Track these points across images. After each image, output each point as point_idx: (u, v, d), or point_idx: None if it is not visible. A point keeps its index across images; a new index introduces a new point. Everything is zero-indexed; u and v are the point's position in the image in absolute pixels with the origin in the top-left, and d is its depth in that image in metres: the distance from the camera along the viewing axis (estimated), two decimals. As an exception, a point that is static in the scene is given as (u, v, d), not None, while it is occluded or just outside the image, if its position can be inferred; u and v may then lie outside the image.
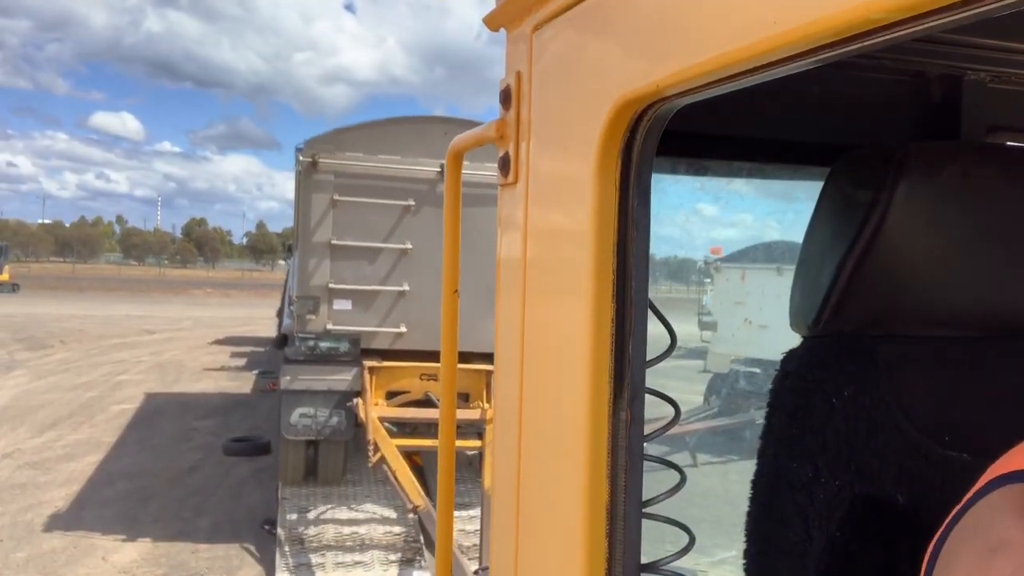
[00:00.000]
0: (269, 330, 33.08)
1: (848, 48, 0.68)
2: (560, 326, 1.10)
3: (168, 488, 11.65)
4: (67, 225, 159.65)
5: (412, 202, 10.12)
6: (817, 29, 0.67)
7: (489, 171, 8.93)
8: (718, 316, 16.77)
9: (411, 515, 8.75)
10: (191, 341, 30.23)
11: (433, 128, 10.24)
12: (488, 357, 9.44)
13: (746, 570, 1.37)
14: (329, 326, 10.01)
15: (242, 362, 24.93)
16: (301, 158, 9.91)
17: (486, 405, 9.73)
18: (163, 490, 11.55)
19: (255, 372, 22.31)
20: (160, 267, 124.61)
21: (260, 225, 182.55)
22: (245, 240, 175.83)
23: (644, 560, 1.07)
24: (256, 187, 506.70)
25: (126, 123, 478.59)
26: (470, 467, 11.25)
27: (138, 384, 20.29)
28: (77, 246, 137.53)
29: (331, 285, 10.00)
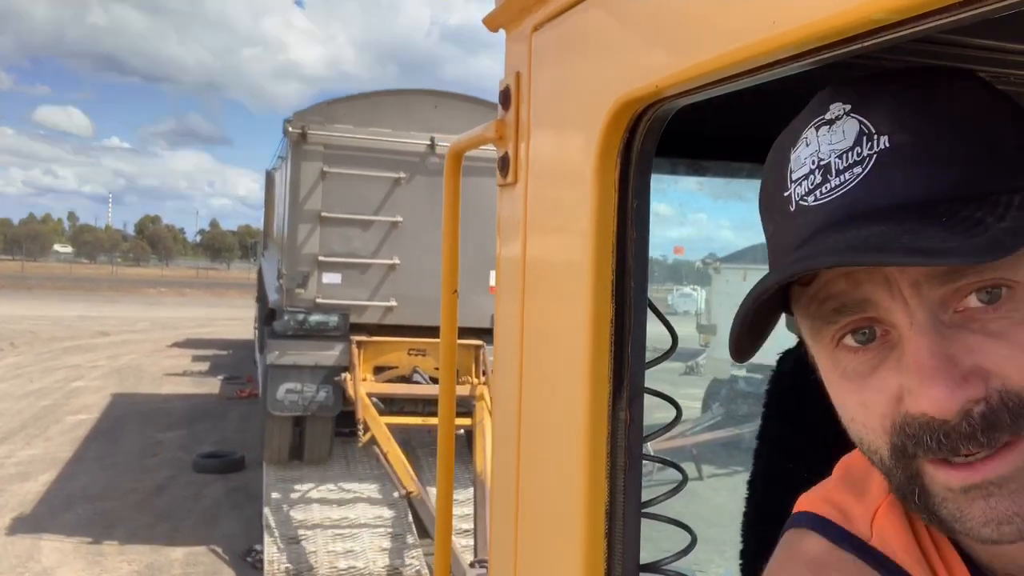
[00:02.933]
0: (231, 332, 32.20)
1: (848, 48, 0.68)
2: (559, 326, 1.10)
3: (135, 512, 10.68)
4: (15, 223, 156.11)
5: (403, 174, 10.01)
6: (817, 29, 0.67)
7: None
8: (717, 319, 16.16)
9: (400, 497, 8.67)
10: (149, 344, 29.12)
11: (423, 101, 10.22)
12: (478, 332, 9.47)
13: (742, 570, 1.37)
14: (318, 300, 9.87)
15: (205, 366, 23.90)
16: (290, 129, 9.75)
17: (476, 380, 9.65)
18: (129, 514, 10.57)
19: (220, 378, 21.35)
20: (112, 265, 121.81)
21: (214, 223, 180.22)
22: (199, 238, 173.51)
23: (644, 560, 1.07)
24: (208, 184, 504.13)
25: (73, 118, 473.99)
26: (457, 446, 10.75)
27: (95, 391, 19.20)
28: (26, 243, 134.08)
29: (321, 258, 9.85)
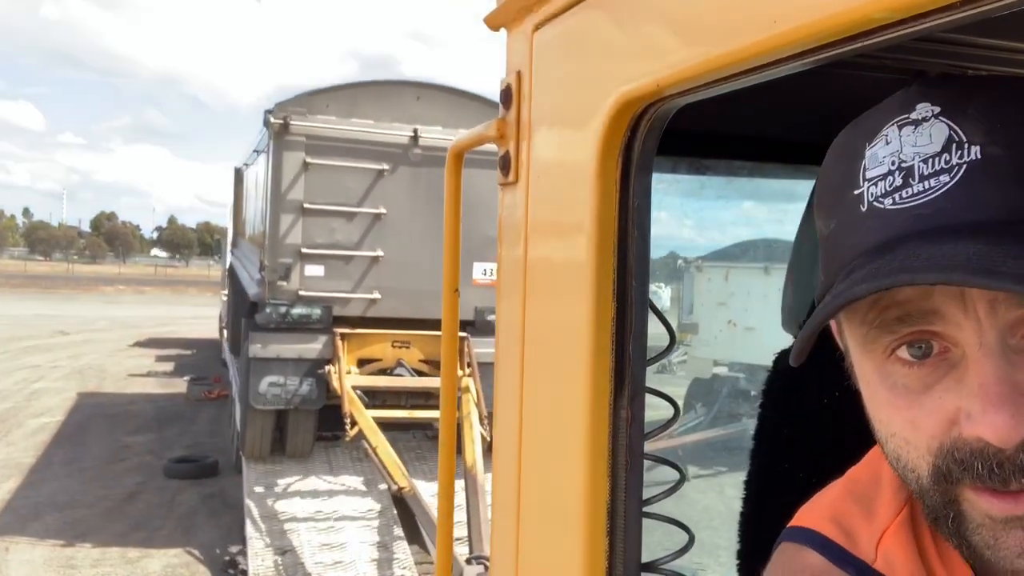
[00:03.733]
0: (193, 331, 31.62)
1: (849, 47, 0.68)
2: (560, 325, 1.11)
3: (106, 521, 10.23)
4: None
5: (385, 166, 9.90)
6: (818, 28, 0.67)
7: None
8: (699, 318, 15.98)
9: (393, 492, 8.50)
10: (110, 343, 28.37)
11: (406, 92, 10.16)
12: (461, 324, 9.06)
13: (739, 570, 1.38)
14: (301, 292, 9.73)
15: (169, 367, 23.33)
16: (272, 120, 9.62)
17: (461, 372, 9.51)
18: (100, 523, 10.12)
19: (186, 379, 20.79)
20: (69, 263, 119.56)
21: (172, 220, 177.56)
22: (156, 235, 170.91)
23: (644, 559, 1.07)
24: (165, 179, 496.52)
25: (26, 113, 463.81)
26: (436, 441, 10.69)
27: (57, 393, 18.54)
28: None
29: (303, 249, 9.71)
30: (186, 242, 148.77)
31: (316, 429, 10.33)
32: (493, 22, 1.32)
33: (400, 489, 8.43)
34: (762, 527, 1.30)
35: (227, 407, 15.20)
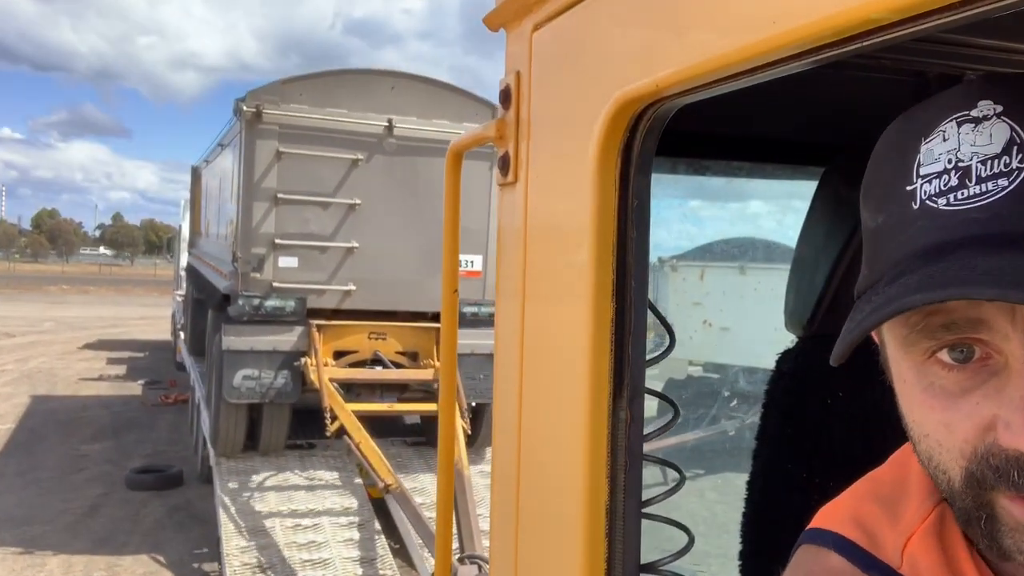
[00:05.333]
0: (144, 332, 30.81)
1: (848, 48, 0.68)
2: (560, 325, 1.10)
3: (68, 538, 9.60)
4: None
5: (360, 156, 9.70)
6: (817, 29, 0.67)
7: (437, 127, 9.29)
8: (673, 318, 15.84)
9: (382, 489, 8.30)
10: (58, 345, 27.19)
11: (381, 81, 10.01)
12: (436, 316, 9.30)
13: (741, 570, 1.38)
14: (275, 283, 9.49)
15: (122, 370, 22.48)
16: (244, 108, 9.37)
17: (437, 364, 9.38)
18: (62, 540, 9.49)
19: (140, 383, 20.13)
20: (10, 262, 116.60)
21: (117, 217, 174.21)
22: (99, 232, 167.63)
23: (643, 560, 1.06)
24: (105, 176, 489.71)
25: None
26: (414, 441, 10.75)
27: (6, 399, 17.70)
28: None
29: (277, 240, 9.48)
30: (131, 240, 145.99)
31: (290, 427, 10.01)
32: (492, 22, 1.31)
33: (387, 487, 8.14)
34: (765, 527, 1.34)
35: (186, 412, 14.65)
